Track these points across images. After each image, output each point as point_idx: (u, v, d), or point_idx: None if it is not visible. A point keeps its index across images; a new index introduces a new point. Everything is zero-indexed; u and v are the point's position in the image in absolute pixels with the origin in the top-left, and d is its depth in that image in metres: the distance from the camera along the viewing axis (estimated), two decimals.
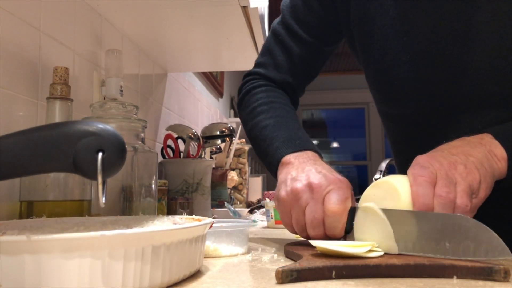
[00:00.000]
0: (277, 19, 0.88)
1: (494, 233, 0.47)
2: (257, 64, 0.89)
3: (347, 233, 0.59)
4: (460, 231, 0.48)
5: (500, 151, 0.60)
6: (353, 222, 0.58)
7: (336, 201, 0.57)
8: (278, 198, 0.64)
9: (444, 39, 0.70)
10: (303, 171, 0.63)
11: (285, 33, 0.85)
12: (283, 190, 0.63)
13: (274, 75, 0.85)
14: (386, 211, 0.54)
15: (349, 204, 0.58)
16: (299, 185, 0.61)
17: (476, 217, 0.56)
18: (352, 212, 0.58)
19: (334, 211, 0.57)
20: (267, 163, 0.74)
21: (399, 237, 0.52)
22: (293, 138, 0.71)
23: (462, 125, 0.71)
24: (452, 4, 0.68)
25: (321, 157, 0.70)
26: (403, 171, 0.60)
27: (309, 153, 0.68)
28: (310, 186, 0.60)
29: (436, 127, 0.75)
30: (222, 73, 2.71)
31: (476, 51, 0.67)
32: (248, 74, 0.89)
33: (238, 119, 2.96)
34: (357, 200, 0.66)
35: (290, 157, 0.68)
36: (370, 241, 0.54)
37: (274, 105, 0.80)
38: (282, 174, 0.66)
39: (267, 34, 1.45)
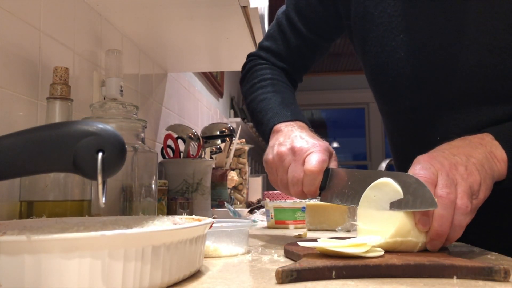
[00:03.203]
0: (282, 8, 0.93)
1: (428, 189, 0.53)
2: (260, 47, 0.95)
3: (322, 190, 0.66)
4: (404, 186, 0.54)
5: (500, 152, 0.60)
6: (327, 182, 0.65)
7: (314, 162, 0.64)
8: (266, 161, 0.72)
9: (439, 38, 0.71)
10: (289, 137, 0.70)
11: (286, 24, 0.90)
12: (270, 154, 0.71)
13: (274, 61, 0.92)
14: (351, 171, 0.63)
15: (325, 165, 0.65)
16: (284, 148, 0.68)
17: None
18: (327, 173, 0.65)
19: (311, 170, 0.64)
20: (261, 132, 0.81)
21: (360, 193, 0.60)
22: (285, 110, 0.78)
23: (456, 121, 0.72)
24: (447, 4, 0.70)
25: (310, 128, 0.75)
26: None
27: (298, 123, 0.75)
28: (293, 150, 0.67)
29: (429, 124, 0.75)
30: (222, 73, 2.71)
31: (471, 50, 0.69)
32: (251, 54, 0.96)
33: (238, 119, 2.95)
34: None
35: (280, 126, 0.75)
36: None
37: (273, 81, 0.86)
38: (272, 140, 0.74)
39: None
